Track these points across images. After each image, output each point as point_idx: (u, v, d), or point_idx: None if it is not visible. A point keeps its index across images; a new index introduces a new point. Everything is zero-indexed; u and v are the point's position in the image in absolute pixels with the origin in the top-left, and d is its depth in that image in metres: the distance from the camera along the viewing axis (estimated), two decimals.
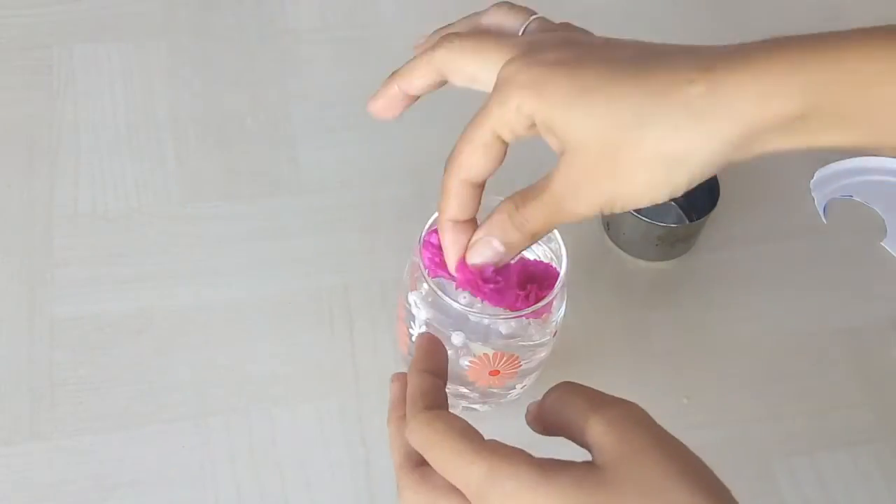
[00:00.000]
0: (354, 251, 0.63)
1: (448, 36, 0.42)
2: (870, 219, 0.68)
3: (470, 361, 0.49)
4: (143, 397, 0.56)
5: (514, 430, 0.56)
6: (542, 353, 0.52)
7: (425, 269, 0.48)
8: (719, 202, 0.62)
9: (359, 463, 0.55)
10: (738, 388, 0.59)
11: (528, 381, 0.54)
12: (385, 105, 0.44)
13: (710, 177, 0.37)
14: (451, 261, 0.43)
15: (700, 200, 0.64)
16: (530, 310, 0.47)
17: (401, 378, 0.43)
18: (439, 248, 0.49)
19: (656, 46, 0.39)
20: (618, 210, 0.38)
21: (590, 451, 0.35)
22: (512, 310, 0.47)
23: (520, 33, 0.43)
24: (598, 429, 0.35)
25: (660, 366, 0.60)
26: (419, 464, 0.40)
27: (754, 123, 0.35)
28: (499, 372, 0.50)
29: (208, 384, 0.57)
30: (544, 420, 0.39)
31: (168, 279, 0.61)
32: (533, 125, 0.38)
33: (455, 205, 0.41)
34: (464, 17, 0.46)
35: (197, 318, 0.60)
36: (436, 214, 0.49)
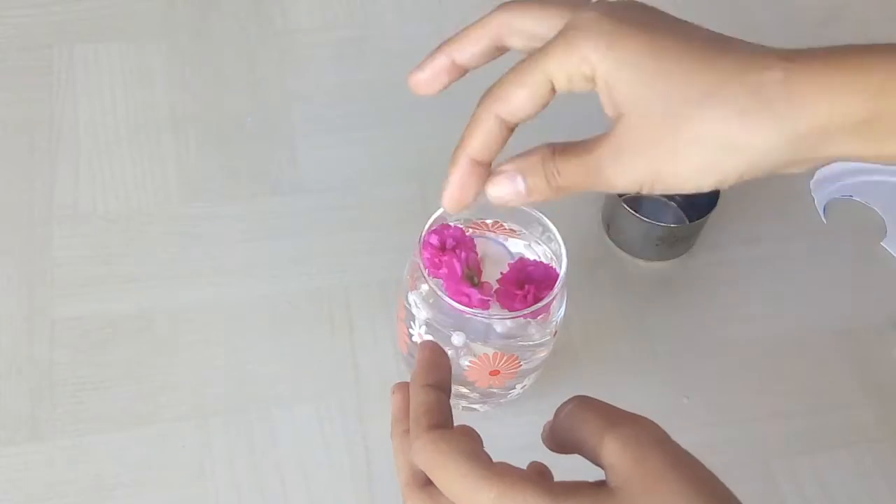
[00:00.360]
0: (354, 251, 0.63)
1: (507, 2, 0.40)
2: (870, 219, 0.68)
3: (470, 361, 0.50)
4: (143, 397, 0.56)
5: (514, 429, 0.57)
6: (542, 353, 0.52)
7: (425, 269, 0.48)
8: (719, 202, 0.62)
9: (359, 463, 0.55)
10: (738, 388, 0.59)
11: (528, 381, 0.54)
12: (430, 78, 0.40)
13: (761, 177, 0.35)
14: (449, 201, 0.39)
15: (700, 200, 0.64)
16: (529, 310, 0.47)
17: (402, 389, 0.41)
18: (439, 248, 0.49)
19: (729, 37, 0.37)
20: (656, 191, 0.36)
21: (604, 470, 0.34)
22: (509, 309, 0.47)
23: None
24: (612, 448, 0.34)
25: (660, 366, 0.60)
26: (426, 483, 0.38)
27: (823, 122, 0.34)
28: (499, 372, 0.50)
29: (208, 384, 0.57)
30: (557, 437, 0.37)
31: (168, 279, 0.61)
32: (592, 79, 0.36)
33: (480, 140, 0.38)
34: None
35: (197, 318, 0.60)
36: (435, 215, 0.49)
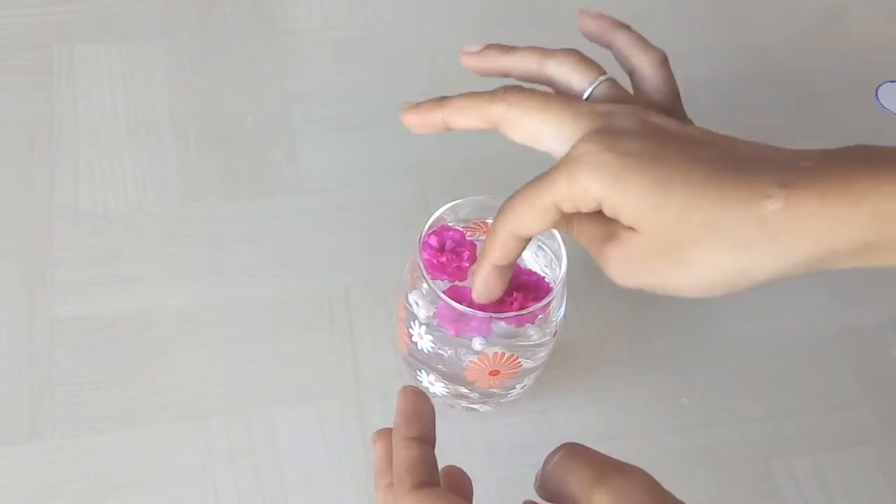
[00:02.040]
0: (354, 251, 0.63)
1: (510, 90, 0.41)
2: None
3: (470, 361, 0.50)
4: (143, 397, 0.56)
5: (514, 430, 0.57)
6: (542, 353, 0.52)
7: (425, 270, 0.48)
8: None
9: (359, 463, 0.55)
10: (738, 388, 0.59)
11: (528, 381, 0.54)
12: (421, 124, 0.43)
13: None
14: (479, 296, 0.45)
15: None
16: (513, 314, 0.47)
17: (384, 438, 0.40)
18: (438, 249, 0.49)
19: (732, 146, 0.38)
20: (656, 292, 0.39)
21: None
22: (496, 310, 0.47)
23: (585, 95, 0.42)
24: (603, 501, 0.34)
25: (660, 366, 0.60)
26: None
27: (826, 248, 0.35)
28: (499, 372, 0.50)
29: (208, 384, 0.57)
30: (547, 487, 0.37)
31: (168, 279, 0.61)
32: (598, 205, 0.38)
33: (499, 252, 0.42)
34: (529, 48, 0.45)
35: (197, 318, 0.60)
36: (435, 215, 0.49)
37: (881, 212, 0.34)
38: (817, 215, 0.35)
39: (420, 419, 0.39)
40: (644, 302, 0.63)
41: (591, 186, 0.37)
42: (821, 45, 0.77)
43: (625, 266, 0.39)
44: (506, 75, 0.44)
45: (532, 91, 0.41)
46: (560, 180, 0.38)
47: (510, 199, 0.41)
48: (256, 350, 0.59)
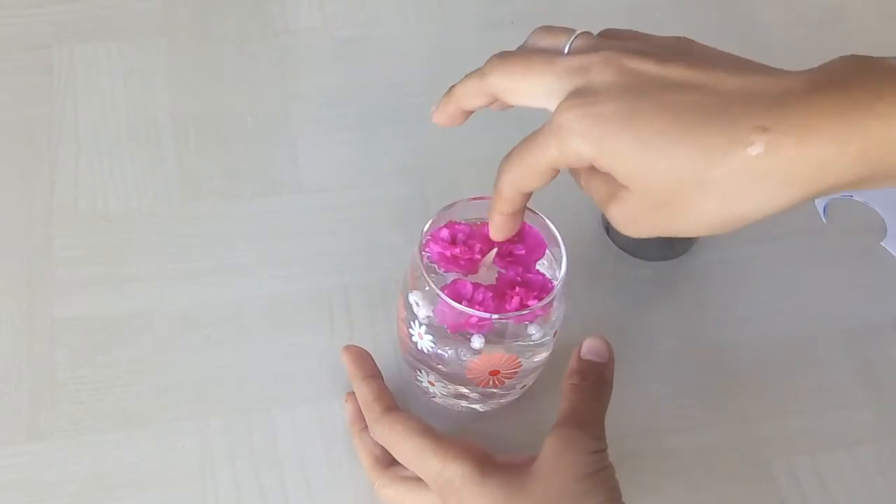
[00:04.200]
0: (354, 251, 0.63)
1: (491, 62, 0.43)
2: (870, 219, 0.68)
3: (470, 361, 0.50)
4: (143, 397, 0.56)
5: (513, 429, 0.57)
6: (543, 353, 0.52)
7: (431, 266, 0.48)
8: None
9: (359, 463, 0.55)
10: (738, 388, 0.59)
11: (528, 381, 0.54)
12: (447, 119, 0.45)
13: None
14: (495, 233, 0.47)
15: None
16: (513, 314, 0.47)
17: (353, 397, 0.54)
18: (450, 242, 0.49)
19: (715, 83, 0.38)
20: (671, 234, 0.40)
21: None
22: (497, 308, 0.47)
23: (565, 51, 0.42)
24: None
25: (660, 366, 0.60)
26: (390, 463, 0.50)
27: (816, 187, 0.35)
28: (499, 372, 0.50)
29: (208, 384, 0.57)
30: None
31: (168, 279, 0.61)
32: (591, 164, 0.39)
33: (507, 205, 0.44)
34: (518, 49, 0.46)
35: (197, 318, 0.60)
36: (435, 216, 0.49)
37: (871, 145, 0.34)
38: (800, 159, 0.35)
39: (366, 361, 0.54)
40: (644, 302, 0.63)
41: (581, 150, 0.38)
42: (821, 45, 0.77)
43: (629, 222, 0.40)
44: (469, 110, 0.46)
45: (511, 57, 0.42)
46: (550, 146, 0.39)
47: (508, 157, 0.42)
48: (256, 350, 0.59)
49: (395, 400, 0.51)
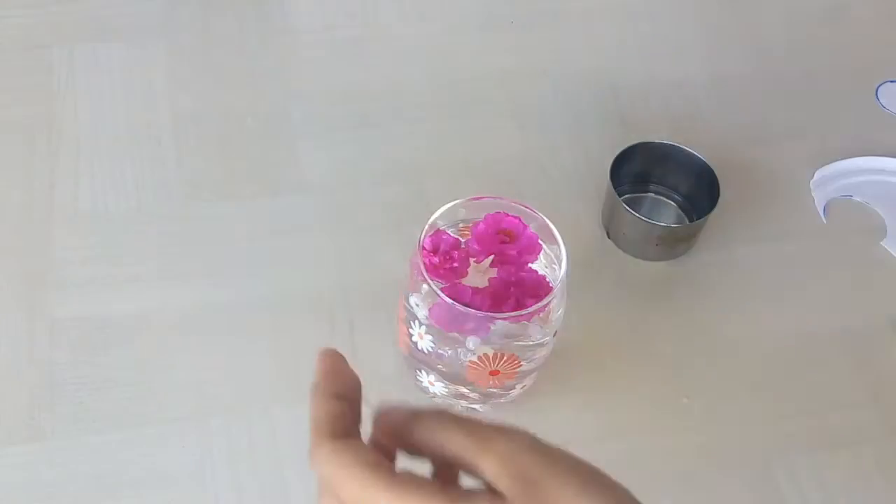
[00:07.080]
0: (354, 251, 0.63)
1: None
2: (870, 219, 0.68)
3: (470, 362, 0.50)
4: (143, 397, 0.56)
5: None
6: (542, 353, 0.52)
7: (425, 271, 0.48)
8: (719, 202, 0.62)
9: None
10: (738, 388, 0.59)
11: (528, 381, 0.54)
12: None
13: None
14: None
15: (700, 200, 0.64)
16: (511, 314, 0.47)
17: (326, 357, 0.41)
18: (433, 251, 0.49)
19: None
20: None
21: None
22: (496, 310, 0.47)
23: None
24: (491, 470, 0.34)
25: (660, 366, 0.60)
26: (346, 435, 0.38)
27: None
28: (499, 372, 0.50)
29: (208, 384, 0.57)
30: (408, 439, 0.37)
31: (168, 279, 0.61)
32: None
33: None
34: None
35: (197, 318, 0.60)
36: (434, 216, 0.49)
37: None
38: None
39: (341, 377, 0.40)
40: (644, 302, 0.63)
41: None
42: (821, 45, 0.77)
43: None
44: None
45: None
46: None
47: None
48: (256, 350, 0.59)
49: (356, 427, 0.39)
